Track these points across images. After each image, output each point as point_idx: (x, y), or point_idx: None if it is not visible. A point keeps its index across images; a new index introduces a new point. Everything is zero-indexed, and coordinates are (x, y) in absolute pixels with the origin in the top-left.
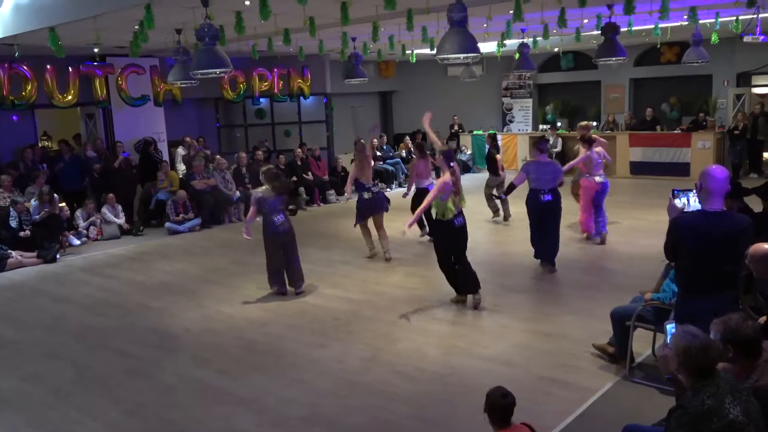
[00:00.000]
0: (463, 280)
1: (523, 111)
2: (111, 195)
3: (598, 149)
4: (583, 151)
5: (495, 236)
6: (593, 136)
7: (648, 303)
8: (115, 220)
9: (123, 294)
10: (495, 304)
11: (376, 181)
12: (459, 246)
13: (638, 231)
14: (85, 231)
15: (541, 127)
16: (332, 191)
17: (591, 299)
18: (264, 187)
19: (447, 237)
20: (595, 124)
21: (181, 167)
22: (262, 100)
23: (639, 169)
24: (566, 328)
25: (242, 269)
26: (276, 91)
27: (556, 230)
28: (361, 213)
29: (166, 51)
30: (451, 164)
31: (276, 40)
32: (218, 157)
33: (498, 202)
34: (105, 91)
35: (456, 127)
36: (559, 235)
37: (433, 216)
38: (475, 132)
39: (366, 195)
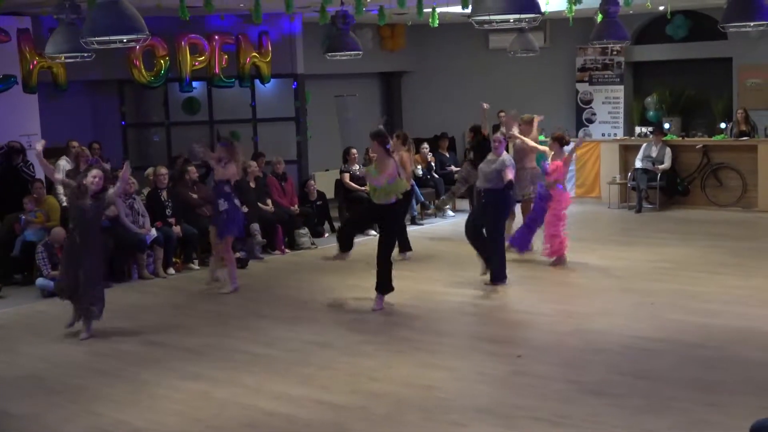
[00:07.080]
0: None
1: (609, 104)
2: None
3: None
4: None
5: (563, 304)
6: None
7: None
8: None
9: None
10: (563, 414)
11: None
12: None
13: None
14: None
15: (638, 129)
16: (305, 230)
17: (718, 407)
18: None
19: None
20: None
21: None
22: (195, 84)
23: None
24: None
25: (156, 353)
26: (217, 70)
27: None
28: (223, 226)
29: (43, 7)
30: (387, 146)
31: None
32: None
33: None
34: None
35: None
36: None
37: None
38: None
39: (223, 206)
